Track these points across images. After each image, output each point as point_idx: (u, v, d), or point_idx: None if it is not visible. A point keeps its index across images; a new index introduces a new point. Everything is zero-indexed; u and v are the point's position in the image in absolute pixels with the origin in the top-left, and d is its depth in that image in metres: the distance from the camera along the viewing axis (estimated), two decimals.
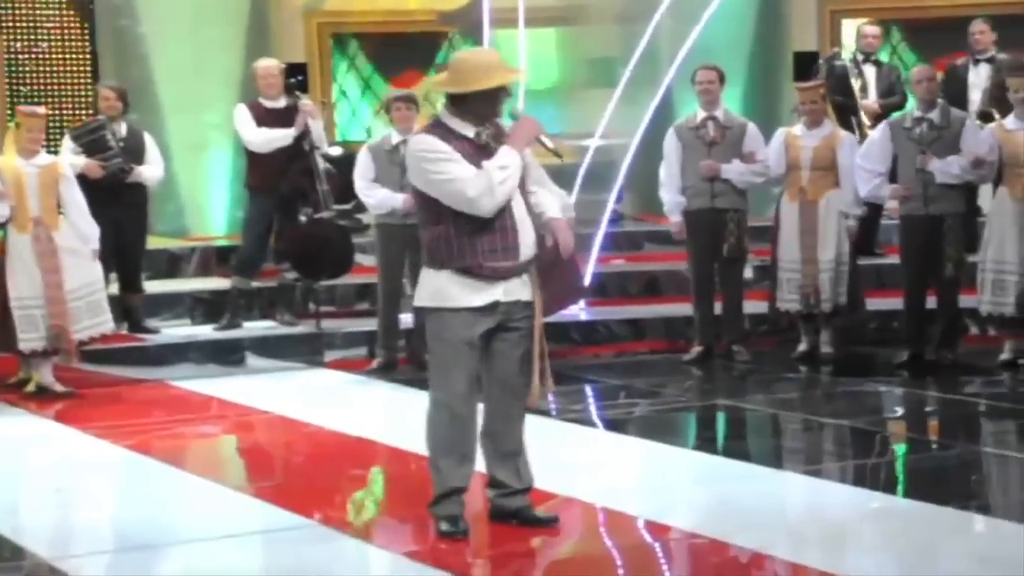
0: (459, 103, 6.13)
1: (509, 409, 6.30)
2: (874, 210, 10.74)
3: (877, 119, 11.25)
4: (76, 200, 9.74)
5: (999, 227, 9.66)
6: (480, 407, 6.30)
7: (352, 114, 14.49)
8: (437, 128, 6.16)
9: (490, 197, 5.98)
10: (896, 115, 10.53)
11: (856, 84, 12.10)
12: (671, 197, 10.29)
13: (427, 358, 6.39)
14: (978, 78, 11.81)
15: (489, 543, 6.28)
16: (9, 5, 13.07)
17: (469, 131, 6.10)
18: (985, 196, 10.08)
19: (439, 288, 6.12)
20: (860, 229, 10.27)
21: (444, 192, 6.03)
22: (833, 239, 9.97)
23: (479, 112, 6.12)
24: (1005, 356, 9.82)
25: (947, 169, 9.63)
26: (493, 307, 6.09)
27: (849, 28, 13.43)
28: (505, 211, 6.05)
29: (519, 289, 6.14)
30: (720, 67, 10.50)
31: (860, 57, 12.22)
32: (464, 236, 6.04)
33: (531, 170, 6.24)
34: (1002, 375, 9.66)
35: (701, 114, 10.29)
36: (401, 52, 14.33)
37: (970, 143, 9.64)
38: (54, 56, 13.26)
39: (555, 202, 6.30)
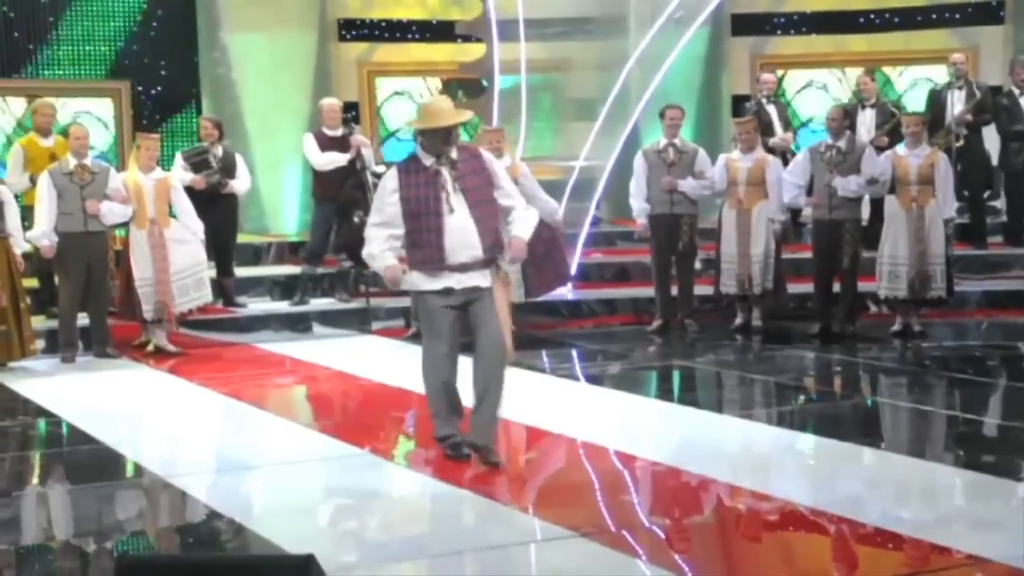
0: (422, 137, 6.18)
1: (494, 361, 6.22)
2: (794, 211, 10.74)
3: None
4: (183, 205, 9.77)
5: (893, 230, 9.65)
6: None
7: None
8: (409, 160, 6.20)
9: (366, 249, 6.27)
10: (814, 143, 10.50)
11: (777, 119, 12.05)
12: (639, 205, 10.24)
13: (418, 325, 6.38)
14: (864, 119, 11.53)
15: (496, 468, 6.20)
16: (131, 58, 13.01)
17: (429, 161, 6.13)
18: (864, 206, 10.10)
19: (411, 279, 6.23)
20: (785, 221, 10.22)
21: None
22: (762, 238, 9.94)
23: (434, 146, 6.13)
24: (896, 328, 9.81)
25: (847, 186, 9.58)
26: (448, 291, 6.12)
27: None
28: (434, 236, 6.06)
29: (476, 279, 6.13)
30: (683, 106, 10.50)
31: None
32: (411, 248, 6.18)
33: (511, 187, 6.28)
34: (892, 342, 9.63)
35: (663, 141, 10.25)
36: None
37: (867, 166, 9.64)
38: (168, 96, 13.19)
39: (523, 223, 6.24)
